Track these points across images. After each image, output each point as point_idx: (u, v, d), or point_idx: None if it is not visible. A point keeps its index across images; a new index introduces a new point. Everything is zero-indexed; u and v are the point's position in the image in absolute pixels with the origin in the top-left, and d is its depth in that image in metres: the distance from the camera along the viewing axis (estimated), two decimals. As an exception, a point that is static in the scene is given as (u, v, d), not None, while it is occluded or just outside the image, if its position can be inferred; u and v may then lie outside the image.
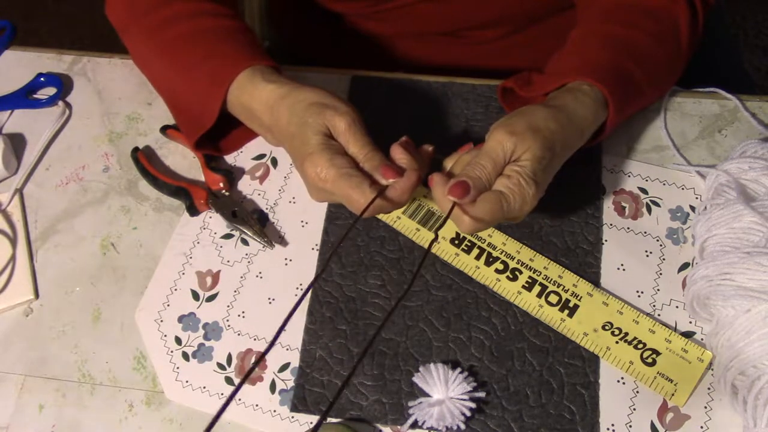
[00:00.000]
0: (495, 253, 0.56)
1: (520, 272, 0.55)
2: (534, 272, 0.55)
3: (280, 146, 0.57)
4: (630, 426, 0.50)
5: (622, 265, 0.55)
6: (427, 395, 0.50)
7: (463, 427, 0.49)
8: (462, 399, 0.49)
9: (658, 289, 0.54)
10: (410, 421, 0.50)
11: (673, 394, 0.50)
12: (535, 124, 0.49)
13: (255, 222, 0.58)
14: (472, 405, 0.49)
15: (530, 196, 0.47)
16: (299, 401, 0.52)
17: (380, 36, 0.74)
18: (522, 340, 0.53)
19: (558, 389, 0.51)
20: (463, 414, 0.49)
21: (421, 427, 0.50)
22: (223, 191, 0.60)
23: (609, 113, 0.53)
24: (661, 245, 0.56)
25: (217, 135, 0.61)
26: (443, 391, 0.50)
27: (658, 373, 0.50)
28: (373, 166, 0.49)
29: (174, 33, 0.58)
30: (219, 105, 0.55)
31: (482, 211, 0.46)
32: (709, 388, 0.50)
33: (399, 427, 0.51)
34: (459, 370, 0.51)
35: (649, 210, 0.58)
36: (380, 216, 0.57)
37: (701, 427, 0.49)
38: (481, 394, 0.51)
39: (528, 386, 0.51)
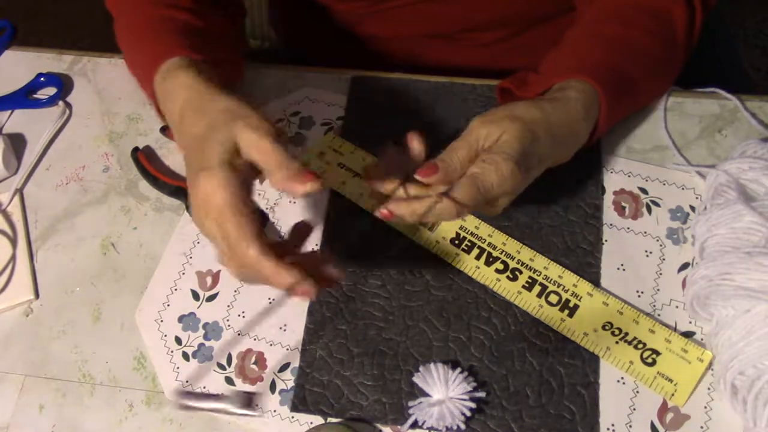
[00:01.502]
0: (495, 253, 0.56)
1: (520, 272, 0.55)
2: (534, 272, 0.55)
3: (183, 152, 0.50)
4: (630, 426, 0.50)
5: (622, 265, 0.55)
6: (427, 395, 0.50)
7: (463, 427, 0.49)
8: (462, 399, 0.49)
9: (658, 289, 0.54)
10: (410, 421, 0.50)
11: (673, 394, 0.50)
12: (514, 113, 0.49)
13: (255, 222, 0.58)
14: (472, 405, 0.49)
15: (508, 173, 0.46)
16: (299, 401, 0.52)
17: (380, 38, 0.74)
18: (522, 340, 0.53)
19: (558, 389, 0.51)
20: (463, 414, 0.49)
21: (421, 427, 0.50)
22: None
23: (601, 108, 0.53)
24: (661, 245, 0.56)
25: None
26: (443, 391, 0.50)
27: (658, 373, 0.50)
28: (290, 174, 0.43)
29: (133, 18, 0.58)
30: (155, 99, 0.53)
31: (459, 195, 0.46)
32: (709, 388, 0.50)
33: (399, 427, 0.51)
34: (459, 370, 0.51)
35: (649, 210, 0.58)
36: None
37: (701, 427, 0.49)
38: (481, 394, 0.50)
39: (528, 386, 0.51)
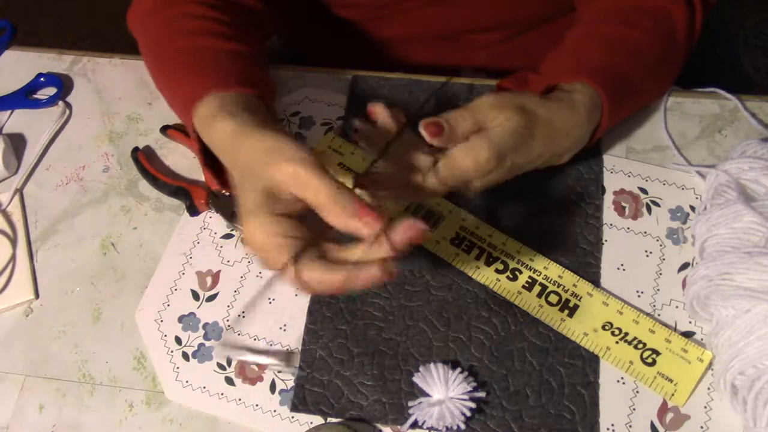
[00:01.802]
0: (495, 253, 0.56)
1: (520, 272, 0.55)
2: (534, 272, 0.55)
3: None
4: (630, 426, 0.50)
5: (622, 265, 0.55)
6: (427, 395, 0.50)
7: (463, 427, 0.49)
8: (462, 399, 0.49)
9: (658, 289, 0.54)
10: (410, 421, 0.50)
11: (673, 394, 0.50)
12: (524, 104, 0.49)
13: (255, 222, 0.58)
14: (472, 405, 0.49)
15: (483, 161, 0.47)
16: (299, 401, 0.52)
17: (381, 40, 0.74)
18: (522, 340, 0.53)
19: (558, 389, 0.51)
20: (463, 414, 0.49)
21: (421, 427, 0.50)
22: (223, 191, 0.60)
23: (603, 112, 0.53)
24: (661, 245, 0.56)
25: None
26: (443, 391, 0.50)
27: (658, 373, 0.50)
28: (345, 209, 0.40)
29: (166, 49, 0.57)
30: (193, 131, 0.52)
31: (433, 181, 0.47)
32: (709, 388, 0.50)
33: (399, 427, 0.51)
34: (459, 370, 0.51)
35: (649, 210, 0.58)
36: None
37: (701, 427, 0.49)
38: (481, 394, 0.50)
39: (528, 386, 0.51)
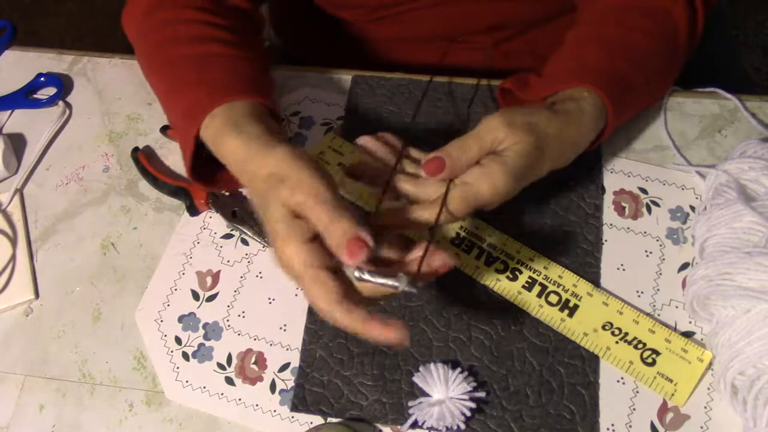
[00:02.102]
0: (495, 253, 0.56)
1: (520, 272, 0.55)
2: (534, 272, 0.55)
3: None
4: (630, 426, 0.50)
5: (622, 265, 0.55)
6: (427, 395, 0.50)
7: (463, 427, 0.49)
8: (462, 399, 0.49)
9: (658, 289, 0.54)
10: (410, 421, 0.50)
11: (672, 394, 0.50)
12: (533, 123, 0.48)
13: (255, 222, 0.58)
14: (472, 405, 0.49)
15: (501, 186, 0.46)
16: (299, 401, 0.52)
17: (381, 40, 0.74)
18: (522, 340, 0.53)
19: (558, 389, 0.51)
20: (463, 414, 0.49)
21: (421, 427, 0.50)
22: (223, 191, 0.60)
23: (608, 119, 0.53)
24: (661, 245, 0.56)
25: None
26: (443, 391, 0.50)
27: (658, 373, 0.50)
28: (339, 240, 0.40)
29: (168, 54, 0.56)
30: (191, 142, 0.51)
31: (452, 208, 0.46)
32: (709, 388, 0.50)
33: (399, 427, 0.51)
34: (459, 370, 0.51)
35: (649, 210, 0.58)
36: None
37: (701, 427, 0.49)
38: (481, 394, 0.51)
39: (528, 386, 0.51)
